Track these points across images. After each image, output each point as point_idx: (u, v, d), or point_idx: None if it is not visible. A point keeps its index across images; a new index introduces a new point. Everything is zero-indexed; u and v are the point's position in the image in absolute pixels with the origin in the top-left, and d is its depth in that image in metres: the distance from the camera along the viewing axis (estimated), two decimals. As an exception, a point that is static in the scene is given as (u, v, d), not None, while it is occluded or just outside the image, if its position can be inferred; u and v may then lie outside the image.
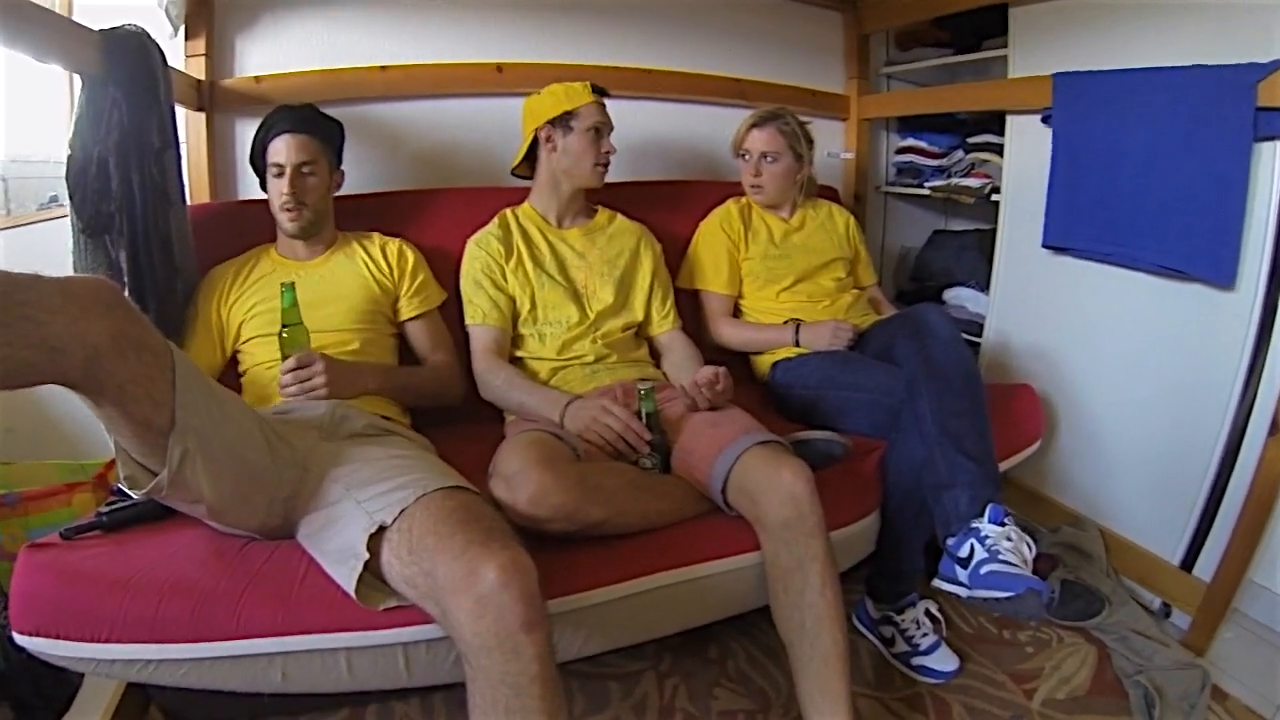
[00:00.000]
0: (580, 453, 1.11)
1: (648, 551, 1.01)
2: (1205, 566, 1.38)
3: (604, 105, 1.41)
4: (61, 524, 1.09)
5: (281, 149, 1.25)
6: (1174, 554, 1.45)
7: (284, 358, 1.12)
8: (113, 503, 1.00)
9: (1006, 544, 1.04)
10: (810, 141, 1.62)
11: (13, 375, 0.66)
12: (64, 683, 1.08)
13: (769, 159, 1.58)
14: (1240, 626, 1.40)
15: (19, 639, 0.85)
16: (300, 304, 1.12)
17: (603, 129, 1.39)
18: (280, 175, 1.25)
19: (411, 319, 1.37)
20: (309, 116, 1.29)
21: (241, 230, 1.36)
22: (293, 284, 1.11)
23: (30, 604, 0.85)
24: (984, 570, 1.02)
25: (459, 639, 0.76)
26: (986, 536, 1.05)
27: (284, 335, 1.12)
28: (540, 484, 0.94)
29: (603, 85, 1.43)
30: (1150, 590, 1.49)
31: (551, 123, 1.38)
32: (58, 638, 0.84)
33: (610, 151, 1.41)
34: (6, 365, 0.64)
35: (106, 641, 0.84)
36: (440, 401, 1.33)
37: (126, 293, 1.15)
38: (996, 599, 1.00)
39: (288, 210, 1.26)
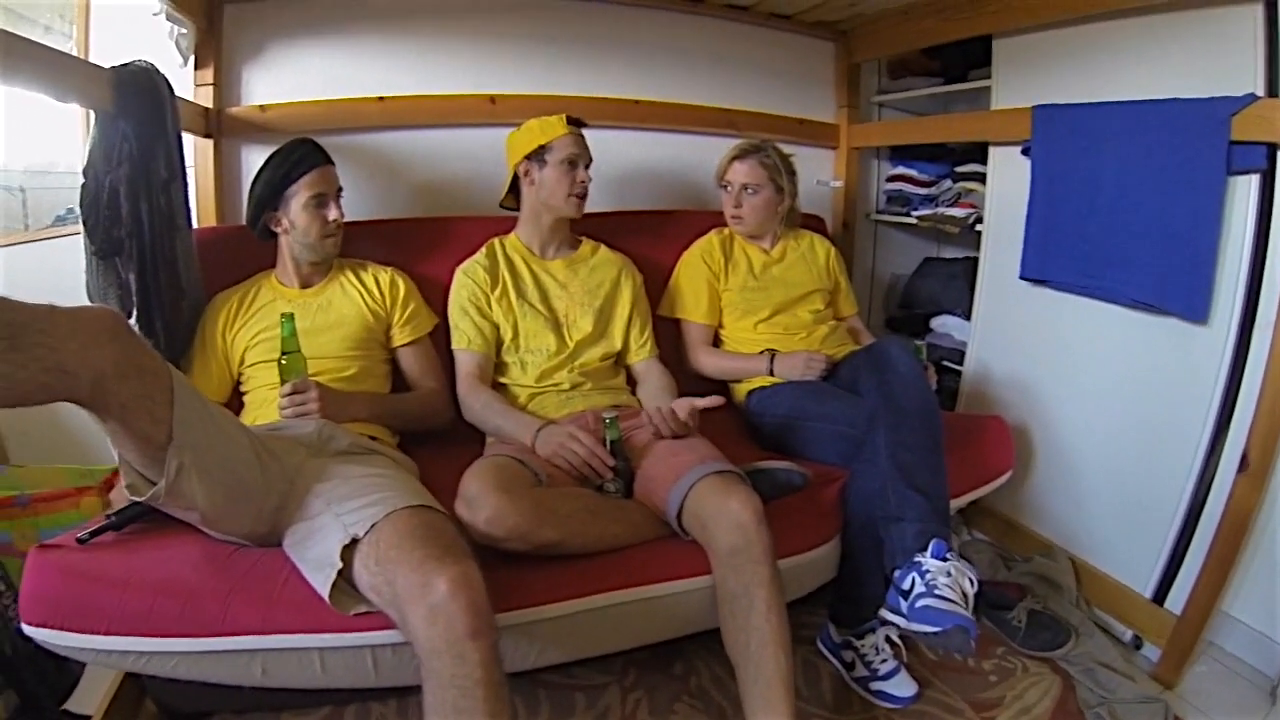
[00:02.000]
0: (543, 477, 1.20)
1: (601, 571, 1.11)
2: (1177, 599, 1.43)
3: (581, 136, 1.50)
4: (69, 524, 1.23)
5: (321, 179, 1.39)
6: (1146, 586, 1.50)
7: (282, 382, 1.25)
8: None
9: (944, 579, 1.11)
10: (792, 174, 1.71)
11: (30, 394, 0.79)
12: (66, 672, 1.21)
13: (750, 191, 1.68)
14: (1214, 659, 1.45)
15: (27, 629, 0.97)
16: (299, 332, 1.25)
17: (578, 160, 1.48)
18: (324, 205, 1.39)
19: (403, 345, 1.49)
20: (323, 149, 1.43)
21: (246, 253, 1.48)
22: (292, 315, 1.24)
23: (38, 598, 0.97)
24: (919, 604, 1.10)
25: (414, 643, 0.88)
26: (927, 571, 1.13)
27: (283, 362, 1.25)
28: (496, 507, 1.04)
29: (594, 116, 1.52)
30: (1122, 622, 1.55)
31: (528, 157, 1.48)
32: (62, 629, 0.96)
33: (585, 182, 1.49)
34: (26, 386, 0.78)
35: (105, 634, 0.96)
36: (428, 426, 1.45)
37: (135, 311, 1.29)
38: (926, 633, 1.09)
39: (332, 236, 1.42)
